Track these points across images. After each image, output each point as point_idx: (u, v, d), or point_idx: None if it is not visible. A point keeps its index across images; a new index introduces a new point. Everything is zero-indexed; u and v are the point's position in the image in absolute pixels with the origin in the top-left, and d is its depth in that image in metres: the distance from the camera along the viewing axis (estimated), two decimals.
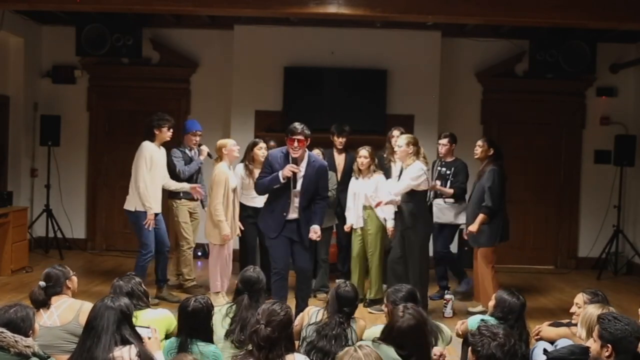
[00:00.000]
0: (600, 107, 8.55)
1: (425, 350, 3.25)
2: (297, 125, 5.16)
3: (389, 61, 8.17)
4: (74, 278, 3.88)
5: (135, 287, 3.77)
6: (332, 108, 7.99)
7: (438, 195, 6.55)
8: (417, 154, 5.78)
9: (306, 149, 5.29)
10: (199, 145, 6.66)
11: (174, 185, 6.28)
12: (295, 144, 5.13)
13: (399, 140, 5.94)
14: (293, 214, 5.27)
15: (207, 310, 3.51)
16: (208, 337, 3.52)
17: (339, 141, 6.79)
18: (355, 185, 6.30)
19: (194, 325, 3.44)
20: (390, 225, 6.19)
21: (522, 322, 3.81)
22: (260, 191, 5.44)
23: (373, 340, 3.31)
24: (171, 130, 6.21)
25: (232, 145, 6.03)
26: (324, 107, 8.02)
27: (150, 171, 6.00)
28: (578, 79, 8.46)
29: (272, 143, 6.66)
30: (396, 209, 6.14)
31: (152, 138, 6.11)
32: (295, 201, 5.25)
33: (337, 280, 6.25)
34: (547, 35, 7.82)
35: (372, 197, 6.09)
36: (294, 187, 5.23)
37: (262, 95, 8.20)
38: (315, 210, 5.31)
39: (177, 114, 8.42)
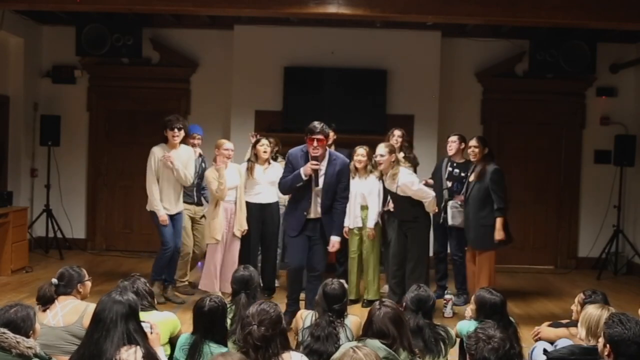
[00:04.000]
0: (600, 107, 8.55)
1: (407, 337, 3.30)
2: (317, 124, 5.11)
3: (389, 61, 8.17)
4: (88, 283, 3.84)
5: (140, 288, 3.72)
6: (332, 108, 7.98)
7: (452, 197, 6.49)
8: (397, 161, 5.80)
9: (327, 147, 5.28)
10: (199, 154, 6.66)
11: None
12: (315, 143, 5.08)
13: (380, 149, 5.82)
14: (315, 214, 5.26)
15: (222, 310, 3.52)
16: (223, 338, 3.52)
17: None
18: (352, 185, 6.25)
19: (209, 325, 3.44)
20: (370, 225, 6.18)
21: (507, 319, 3.80)
22: (284, 190, 5.43)
23: (358, 339, 3.34)
24: (174, 130, 6.14)
25: (223, 148, 6.07)
26: (324, 107, 8.00)
27: (162, 174, 6.04)
28: (578, 79, 8.45)
29: (271, 140, 6.64)
30: (390, 209, 6.15)
31: (165, 140, 6.14)
32: (317, 200, 5.23)
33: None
34: (547, 35, 7.82)
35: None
36: (316, 185, 5.20)
37: (262, 95, 8.20)
38: (334, 215, 5.27)
39: (177, 114, 8.37)
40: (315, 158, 5.12)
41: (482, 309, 3.79)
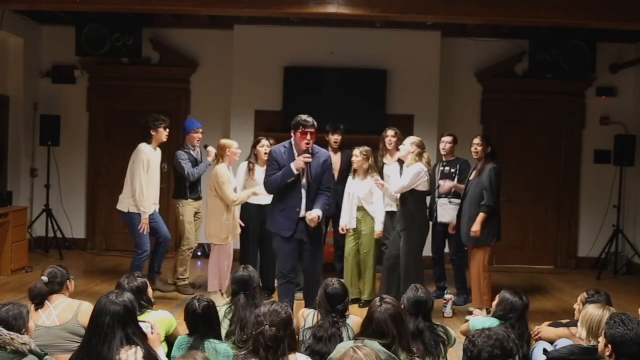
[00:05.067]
0: (600, 107, 8.55)
1: (405, 336, 3.29)
2: (307, 119, 4.99)
3: (389, 61, 8.17)
4: (73, 281, 3.88)
5: (138, 292, 3.69)
6: (332, 108, 7.98)
7: (442, 195, 6.49)
8: (420, 156, 5.77)
9: None
10: (206, 146, 6.64)
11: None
12: (309, 137, 4.95)
13: (406, 140, 5.92)
14: (305, 210, 5.04)
15: (215, 308, 3.56)
16: (220, 335, 3.56)
17: (334, 139, 6.75)
18: (351, 186, 6.27)
19: (207, 324, 3.48)
20: (379, 229, 6.17)
21: (524, 323, 3.83)
22: (272, 189, 5.15)
23: (355, 339, 3.33)
24: (167, 130, 6.20)
25: (235, 149, 6.06)
26: (324, 107, 8.00)
27: (147, 174, 6.01)
28: (578, 79, 8.46)
29: (271, 141, 6.64)
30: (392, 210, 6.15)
31: (149, 140, 6.11)
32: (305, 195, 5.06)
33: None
34: (547, 35, 7.82)
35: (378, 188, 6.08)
36: (305, 180, 5.04)
37: (262, 95, 8.20)
38: (318, 199, 5.05)
39: (177, 114, 8.45)
40: (307, 151, 4.97)
41: (501, 306, 3.83)
